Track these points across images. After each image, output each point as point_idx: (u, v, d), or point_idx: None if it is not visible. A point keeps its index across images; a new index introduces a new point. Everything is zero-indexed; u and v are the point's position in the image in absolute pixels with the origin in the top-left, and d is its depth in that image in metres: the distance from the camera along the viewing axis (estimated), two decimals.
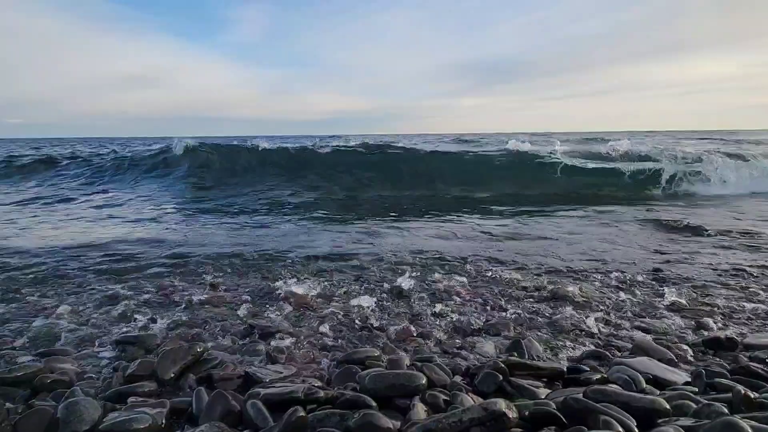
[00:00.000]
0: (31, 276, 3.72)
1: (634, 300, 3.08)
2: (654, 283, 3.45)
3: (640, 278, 3.54)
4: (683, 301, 3.01)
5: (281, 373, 2.05)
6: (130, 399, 1.77)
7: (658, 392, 1.71)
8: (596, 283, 3.47)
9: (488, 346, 2.41)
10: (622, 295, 3.16)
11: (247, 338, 2.56)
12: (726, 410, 1.47)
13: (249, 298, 3.22)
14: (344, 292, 3.30)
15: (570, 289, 3.23)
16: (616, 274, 3.64)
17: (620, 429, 1.28)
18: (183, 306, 3.05)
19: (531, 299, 3.15)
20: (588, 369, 2.02)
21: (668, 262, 4.02)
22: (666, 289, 3.22)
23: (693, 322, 2.69)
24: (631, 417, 1.39)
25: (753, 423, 1.31)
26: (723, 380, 1.82)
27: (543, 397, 1.72)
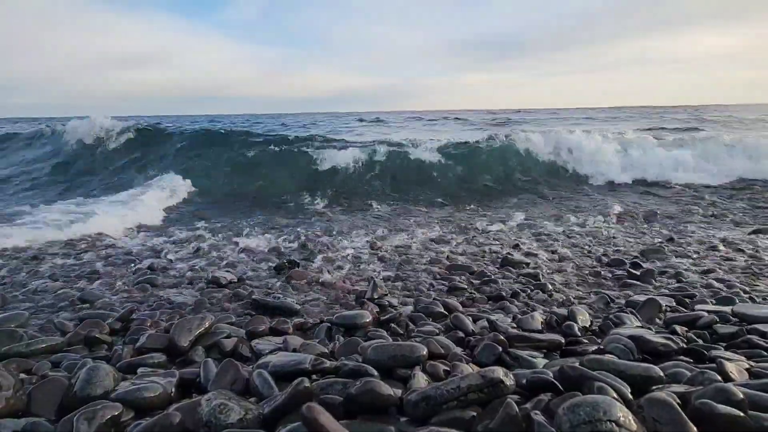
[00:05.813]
0: None
1: None
2: None
3: None
4: None
5: (287, 344, 2.10)
6: (140, 369, 1.83)
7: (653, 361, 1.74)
8: None
9: None
10: None
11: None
12: (720, 378, 1.50)
13: None
14: None
15: None
16: None
17: (614, 395, 1.32)
18: None
19: None
20: (586, 341, 2.06)
21: None
22: None
23: None
24: (625, 384, 1.43)
25: (745, 389, 1.34)
26: (718, 351, 1.85)
27: (541, 366, 1.76)
